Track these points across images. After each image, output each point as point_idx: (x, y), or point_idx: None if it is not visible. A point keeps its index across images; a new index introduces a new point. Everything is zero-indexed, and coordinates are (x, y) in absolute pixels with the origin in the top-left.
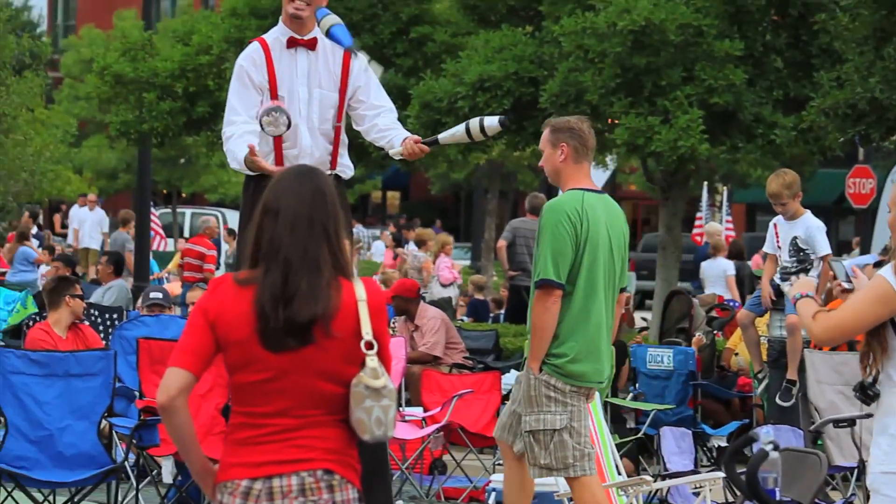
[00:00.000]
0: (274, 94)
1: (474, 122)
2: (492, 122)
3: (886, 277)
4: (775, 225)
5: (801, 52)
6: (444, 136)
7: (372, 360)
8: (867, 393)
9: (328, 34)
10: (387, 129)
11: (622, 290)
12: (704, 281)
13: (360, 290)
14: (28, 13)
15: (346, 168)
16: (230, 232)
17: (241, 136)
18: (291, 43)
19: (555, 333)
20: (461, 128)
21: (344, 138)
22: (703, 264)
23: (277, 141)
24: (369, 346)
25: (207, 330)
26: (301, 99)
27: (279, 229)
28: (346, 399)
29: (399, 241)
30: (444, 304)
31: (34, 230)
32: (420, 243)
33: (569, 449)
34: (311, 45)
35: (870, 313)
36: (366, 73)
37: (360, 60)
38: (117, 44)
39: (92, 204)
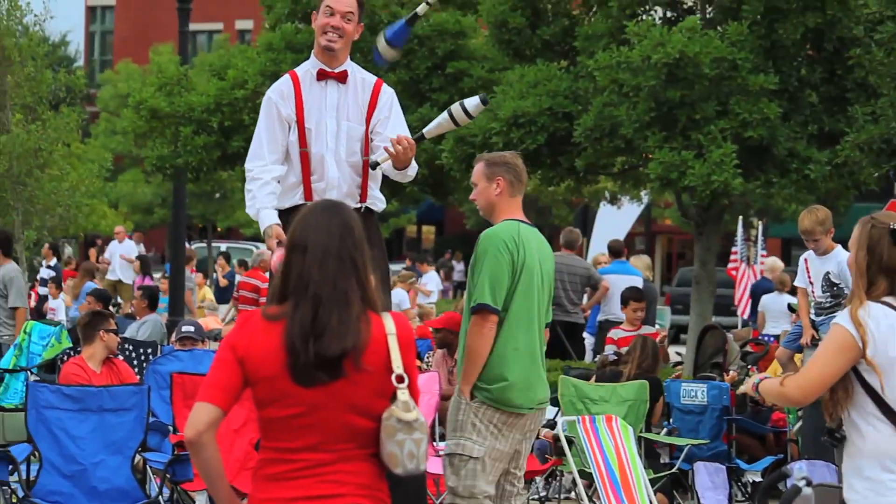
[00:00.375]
0: (301, 126)
1: (456, 107)
2: (472, 102)
3: (843, 325)
4: (806, 260)
5: (835, 86)
6: (429, 129)
7: (403, 394)
8: (835, 437)
9: (388, 41)
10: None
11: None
12: (765, 315)
13: (389, 323)
14: (65, 48)
15: (376, 200)
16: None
17: (266, 195)
18: (321, 75)
19: (487, 360)
20: (444, 115)
21: (376, 171)
22: (765, 298)
23: (305, 173)
24: (400, 379)
25: (236, 365)
26: (329, 131)
27: (308, 264)
28: (377, 433)
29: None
30: None
31: (52, 262)
32: None
33: (479, 480)
34: (342, 77)
35: (834, 364)
36: (390, 108)
37: (387, 95)
38: (153, 78)
39: (120, 236)
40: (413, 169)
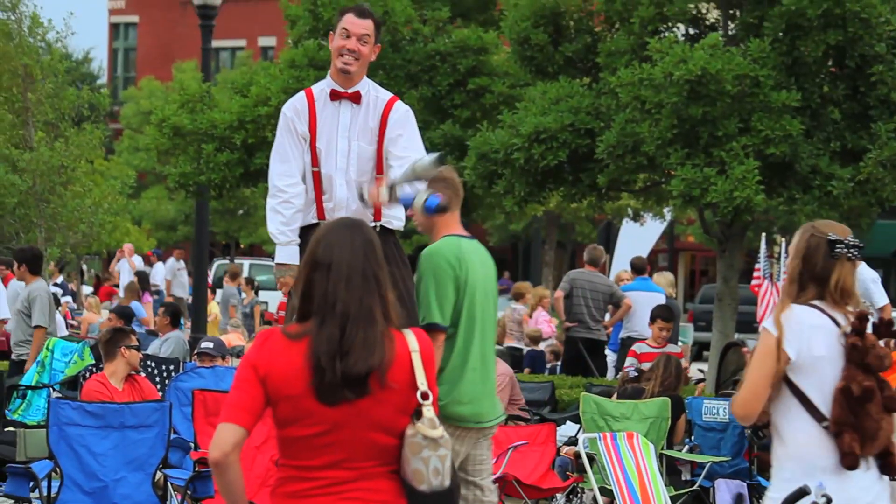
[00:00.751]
0: (313, 145)
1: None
2: (426, 158)
3: (768, 328)
4: None
5: (858, 103)
6: (394, 180)
7: (429, 410)
8: (758, 434)
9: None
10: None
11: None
12: None
13: (412, 340)
14: (88, 65)
15: (392, 219)
16: None
17: (295, 227)
18: (335, 95)
19: (438, 377)
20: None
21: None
22: None
23: (318, 193)
24: (425, 396)
25: (258, 384)
26: (340, 151)
27: (333, 282)
28: (398, 450)
29: None
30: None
31: (59, 279)
32: (518, 296)
33: None
34: (355, 98)
35: (763, 369)
36: (402, 126)
37: (398, 113)
38: (175, 95)
39: (128, 252)
40: (398, 221)
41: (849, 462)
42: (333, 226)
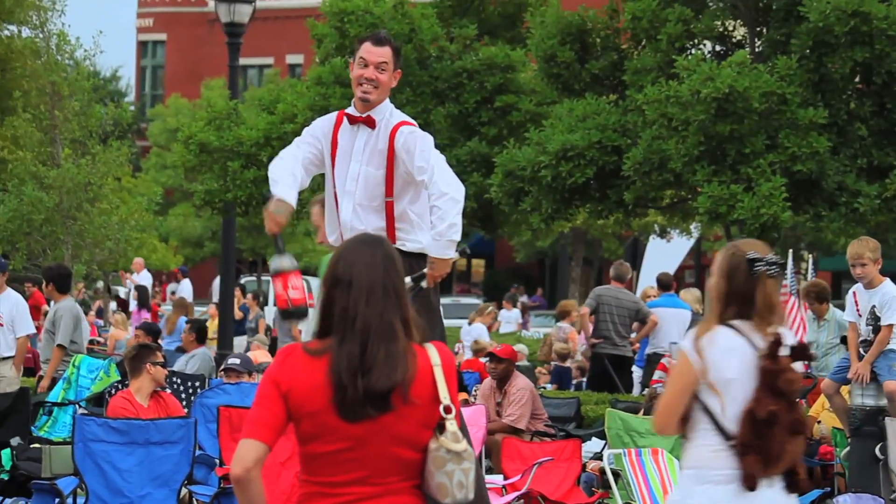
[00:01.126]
0: (333, 167)
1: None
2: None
3: (684, 349)
4: (854, 293)
5: (885, 119)
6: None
7: (452, 424)
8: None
9: None
10: (435, 227)
11: None
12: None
13: (433, 354)
14: (116, 83)
15: (406, 242)
16: None
17: (287, 170)
18: (352, 120)
19: None
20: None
21: (407, 214)
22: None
23: (339, 217)
24: (448, 410)
25: (280, 401)
26: (350, 175)
27: (354, 299)
28: (422, 464)
29: None
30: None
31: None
32: (563, 315)
33: None
34: (370, 122)
35: (678, 387)
36: (410, 148)
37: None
38: (202, 113)
39: (138, 267)
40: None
41: (749, 484)
42: (353, 242)
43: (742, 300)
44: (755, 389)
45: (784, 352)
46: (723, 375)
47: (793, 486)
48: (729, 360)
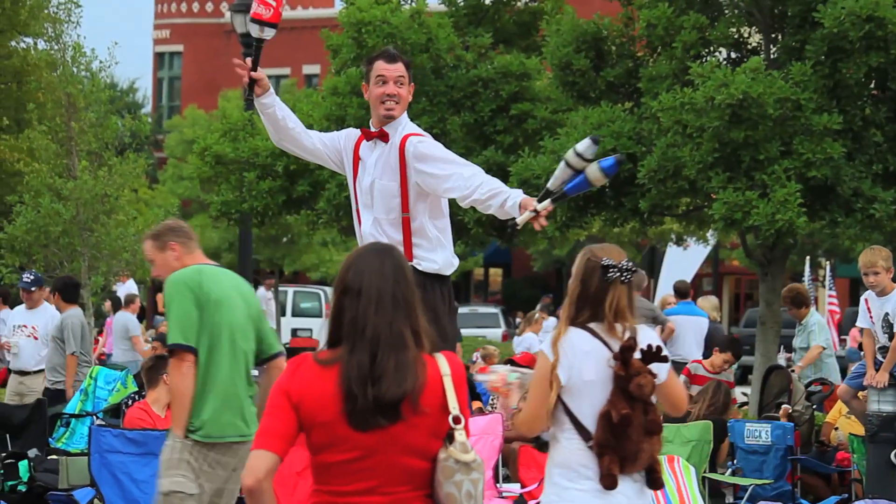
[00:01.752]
0: (354, 177)
1: (569, 153)
2: (583, 143)
3: (545, 352)
4: (867, 300)
5: None
6: (551, 182)
7: (461, 434)
8: (539, 441)
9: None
10: (491, 195)
11: (276, 355)
12: None
13: (443, 364)
14: (133, 95)
15: (421, 260)
16: None
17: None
18: (369, 136)
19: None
20: (560, 165)
21: (426, 229)
22: None
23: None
24: (457, 420)
25: (291, 411)
26: (368, 187)
27: (363, 308)
28: (431, 474)
29: None
30: None
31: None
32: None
33: None
34: (384, 137)
35: (540, 389)
36: (423, 157)
37: (412, 145)
38: (218, 124)
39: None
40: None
41: (606, 483)
42: (363, 251)
43: (595, 304)
44: (611, 392)
45: (637, 355)
46: (581, 377)
47: (653, 482)
48: (587, 362)
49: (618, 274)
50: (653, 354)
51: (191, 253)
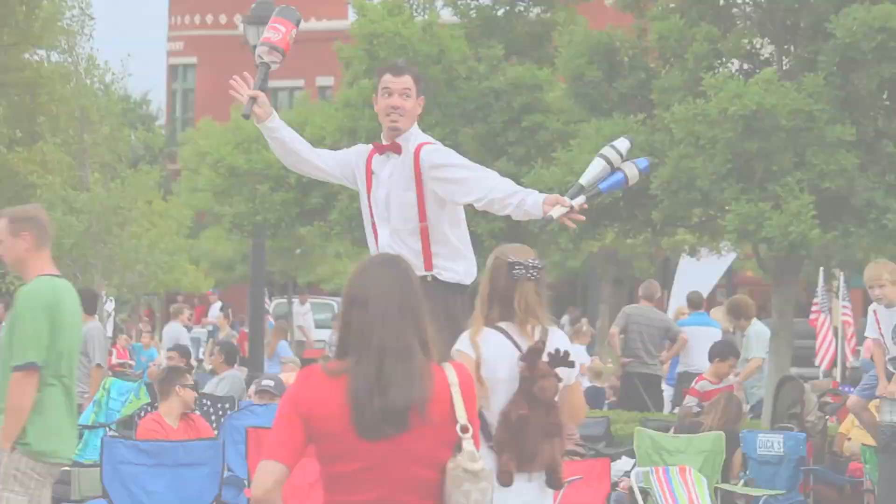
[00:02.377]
0: (368, 191)
1: (606, 149)
2: (620, 141)
3: (464, 351)
4: (875, 312)
5: None
6: (584, 178)
7: (468, 444)
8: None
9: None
10: (510, 194)
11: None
12: None
13: (451, 374)
14: (147, 107)
15: (442, 270)
16: None
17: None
18: (381, 150)
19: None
20: (596, 160)
21: (447, 237)
22: None
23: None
24: (465, 429)
25: (300, 422)
26: (384, 199)
27: (370, 318)
28: (440, 483)
29: None
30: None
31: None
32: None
33: None
34: (396, 149)
35: None
36: (439, 166)
37: (427, 154)
38: (231, 136)
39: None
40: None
41: (503, 480)
42: (370, 262)
43: (504, 301)
44: (516, 392)
45: (544, 358)
46: (495, 375)
47: (553, 482)
48: (500, 362)
49: (523, 271)
50: (560, 358)
51: (40, 249)
